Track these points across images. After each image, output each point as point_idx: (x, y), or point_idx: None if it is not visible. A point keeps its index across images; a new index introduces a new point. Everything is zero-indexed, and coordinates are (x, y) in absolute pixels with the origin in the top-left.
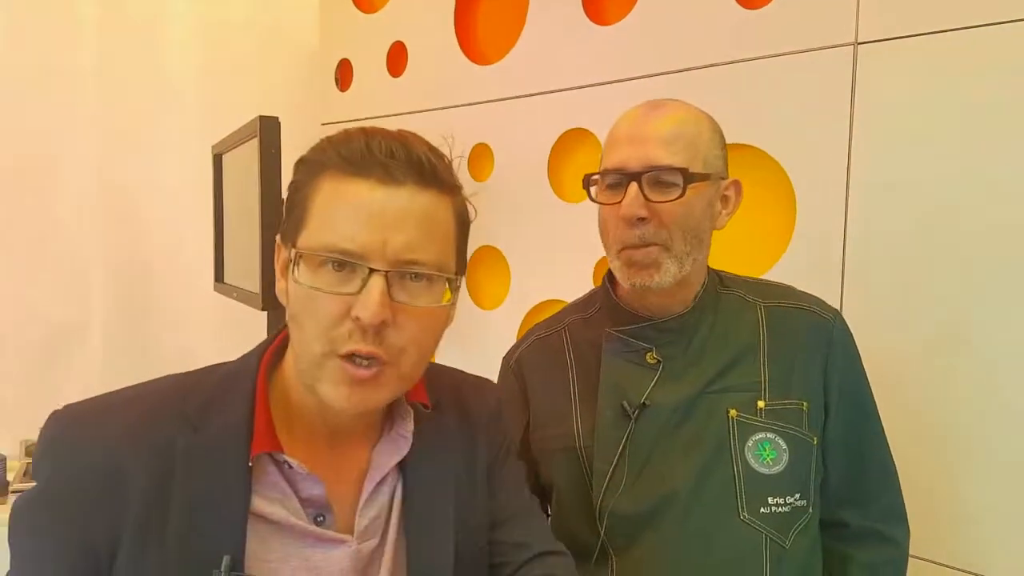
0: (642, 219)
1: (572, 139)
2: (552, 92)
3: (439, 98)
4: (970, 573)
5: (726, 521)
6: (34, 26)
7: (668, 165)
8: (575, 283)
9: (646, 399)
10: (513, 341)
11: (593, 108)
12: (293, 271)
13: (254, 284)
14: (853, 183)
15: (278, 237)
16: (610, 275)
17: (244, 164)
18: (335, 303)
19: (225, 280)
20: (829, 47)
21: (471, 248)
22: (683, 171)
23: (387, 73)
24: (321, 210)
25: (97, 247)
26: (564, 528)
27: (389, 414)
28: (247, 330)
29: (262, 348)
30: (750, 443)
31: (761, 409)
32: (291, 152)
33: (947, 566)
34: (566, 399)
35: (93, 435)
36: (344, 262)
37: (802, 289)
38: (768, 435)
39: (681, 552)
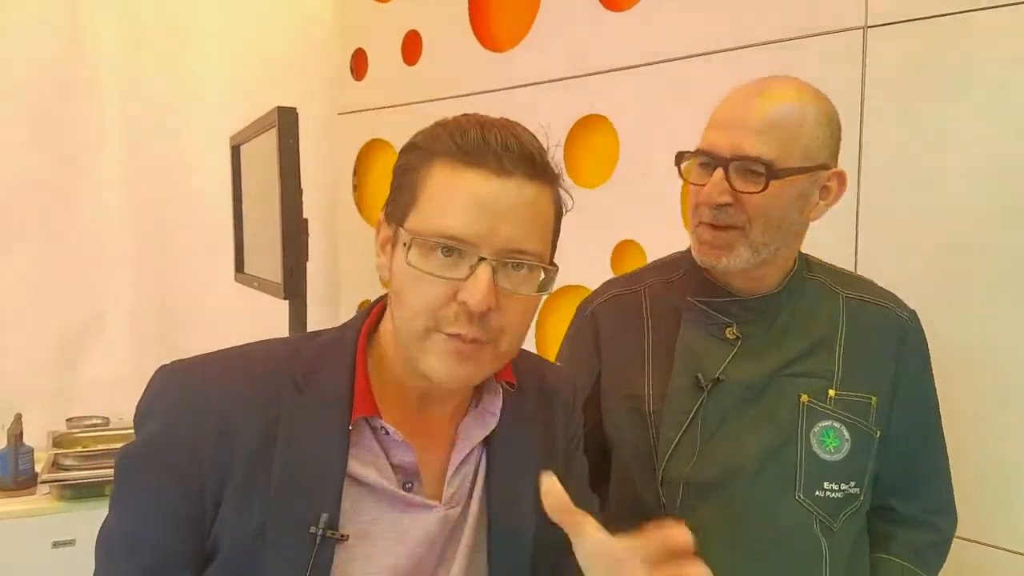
0: (724, 204)
1: (587, 125)
2: (567, 79)
3: (454, 86)
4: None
5: (783, 500)
6: (59, 21)
7: (755, 156)
8: (593, 268)
9: (721, 374)
10: (533, 327)
11: (608, 94)
12: (406, 253)
13: (275, 273)
14: (864, 166)
15: (382, 215)
16: None
17: (263, 155)
18: (443, 287)
19: (245, 270)
20: (839, 31)
21: None
22: (769, 165)
23: (402, 62)
24: (434, 195)
25: (120, 239)
26: (624, 488)
27: (477, 390)
28: (268, 319)
29: (361, 318)
30: (816, 429)
31: (831, 398)
32: (307, 142)
33: (995, 547)
34: (639, 360)
35: (206, 387)
36: (454, 248)
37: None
38: (834, 423)
39: (739, 526)
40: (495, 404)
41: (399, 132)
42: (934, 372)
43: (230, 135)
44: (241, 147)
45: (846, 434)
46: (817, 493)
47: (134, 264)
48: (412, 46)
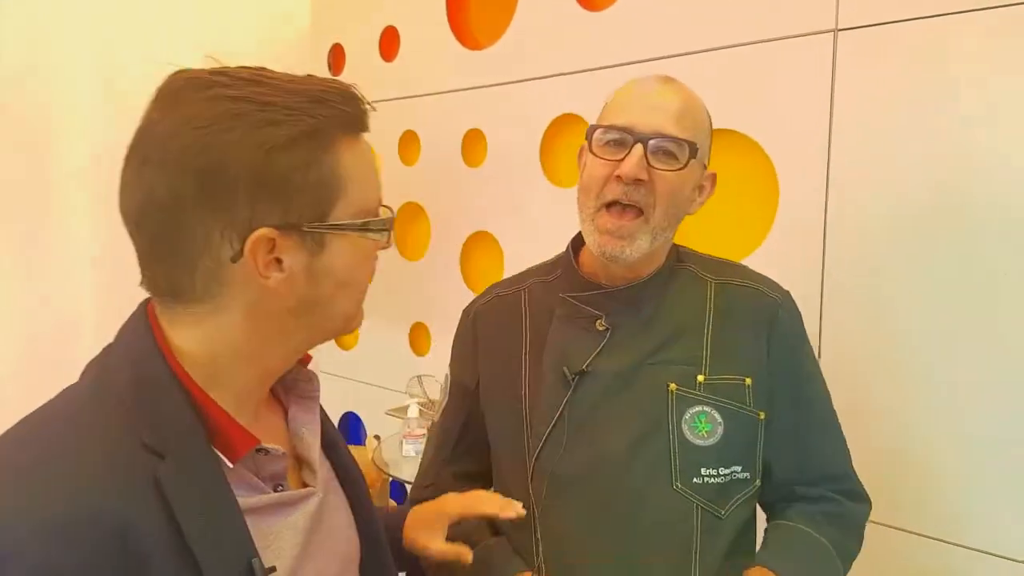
0: (639, 181)
1: (564, 125)
2: (544, 78)
3: (432, 83)
4: (943, 541)
5: (658, 490)
6: (31, 18)
7: (678, 136)
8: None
9: (588, 365)
10: None
11: (584, 94)
12: (351, 247)
13: None
14: (833, 166)
15: (270, 231)
16: (574, 242)
17: None
18: (372, 263)
19: None
20: (810, 34)
21: (464, 233)
22: (691, 145)
23: (380, 57)
24: (355, 176)
25: (90, 244)
26: (500, 487)
27: (283, 380)
28: None
29: (150, 343)
30: (687, 416)
31: (700, 383)
32: None
33: (920, 535)
34: (517, 360)
35: (64, 503)
36: (388, 223)
37: (784, 270)
38: (705, 408)
39: (607, 517)
40: (315, 388)
41: (376, 127)
42: (907, 367)
43: None
44: None
45: (718, 418)
46: (695, 480)
47: (104, 269)
48: (390, 42)
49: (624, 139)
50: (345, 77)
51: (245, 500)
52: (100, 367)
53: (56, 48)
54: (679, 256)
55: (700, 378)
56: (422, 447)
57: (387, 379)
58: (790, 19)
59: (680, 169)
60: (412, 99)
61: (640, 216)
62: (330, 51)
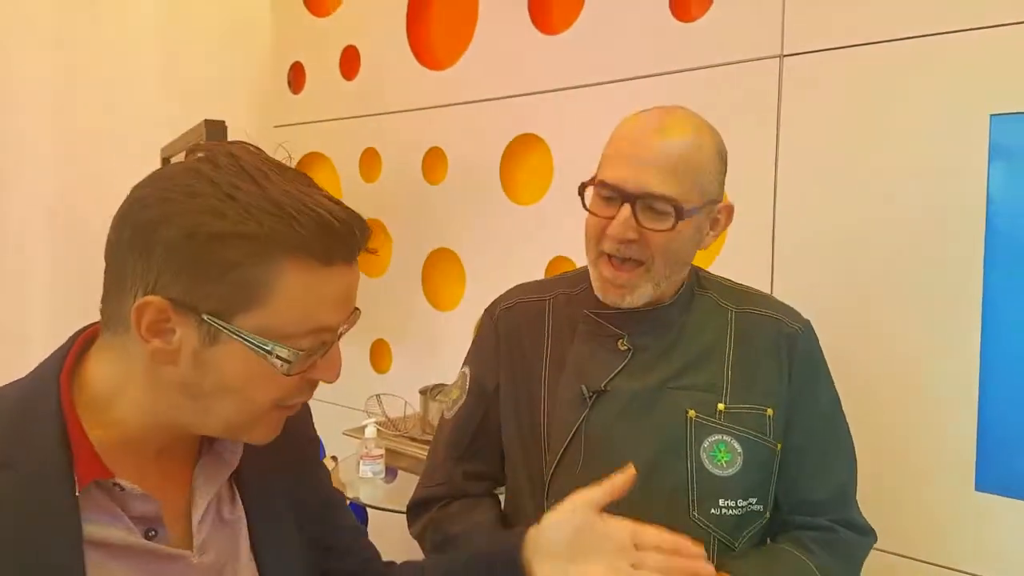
0: (630, 240)
1: (523, 144)
2: (503, 98)
3: (392, 102)
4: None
5: (676, 517)
6: None
7: (664, 196)
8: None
9: (606, 385)
10: (469, 342)
11: (542, 114)
12: (264, 356)
13: None
14: (780, 189)
15: (161, 300)
16: None
17: None
18: (299, 382)
19: None
20: (756, 59)
21: (426, 250)
22: (677, 208)
23: (340, 76)
24: (296, 298)
25: (42, 252)
26: (514, 497)
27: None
28: None
29: (56, 367)
30: (706, 444)
31: (720, 412)
32: None
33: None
34: (537, 371)
35: None
36: (329, 338)
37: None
38: (724, 437)
39: None
40: (233, 444)
41: (336, 146)
42: (859, 384)
43: (161, 146)
44: (171, 160)
45: (738, 447)
46: (713, 511)
47: (58, 277)
48: (350, 61)
49: (613, 196)
50: (305, 95)
51: (94, 528)
52: (10, 384)
53: (13, 66)
54: (699, 281)
55: (720, 406)
56: (380, 468)
57: (347, 398)
58: (737, 45)
59: (669, 230)
60: (373, 117)
61: (640, 266)
62: (290, 69)
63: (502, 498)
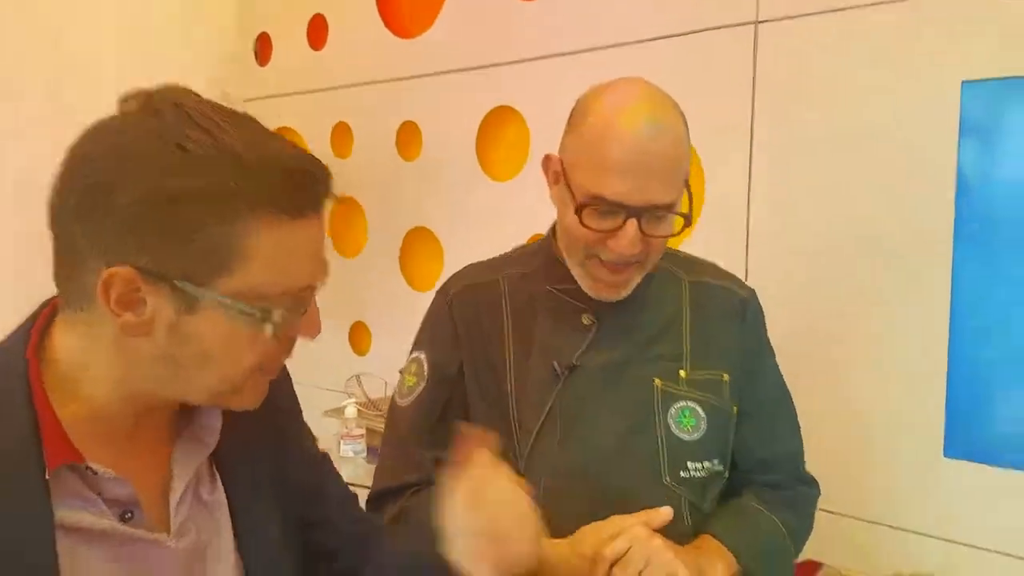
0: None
1: (499, 117)
2: (477, 68)
3: (363, 73)
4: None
5: (649, 485)
6: None
7: (669, 204)
8: None
9: (577, 360)
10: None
11: (519, 85)
12: (224, 319)
13: None
14: (755, 157)
15: (128, 269)
16: (553, 231)
17: None
18: (277, 346)
19: None
20: (731, 25)
21: (403, 229)
22: (684, 215)
23: (308, 46)
24: (271, 256)
25: (7, 227)
26: None
27: (188, 411)
28: None
29: (22, 344)
30: (672, 411)
31: (683, 379)
32: None
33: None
34: (500, 352)
35: None
36: (304, 298)
37: (711, 251)
38: (689, 403)
39: (600, 510)
40: (213, 419)
41: (307, 120)
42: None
43: None
44: None
45: (701, 412)
46: (682, 474)
47: (16, 253)
48: (318, 31)
49: (613, 211)
50: (272, 67)
51: (66, 512)
52: None
53: None
54: None
55: (683, 374)
56: (361, 447)
57: (327, 380)
58: (712, 11)
59: (675, 235)
60: (342, 89)
61: (636, 263)
62: (256, 40)
63: None
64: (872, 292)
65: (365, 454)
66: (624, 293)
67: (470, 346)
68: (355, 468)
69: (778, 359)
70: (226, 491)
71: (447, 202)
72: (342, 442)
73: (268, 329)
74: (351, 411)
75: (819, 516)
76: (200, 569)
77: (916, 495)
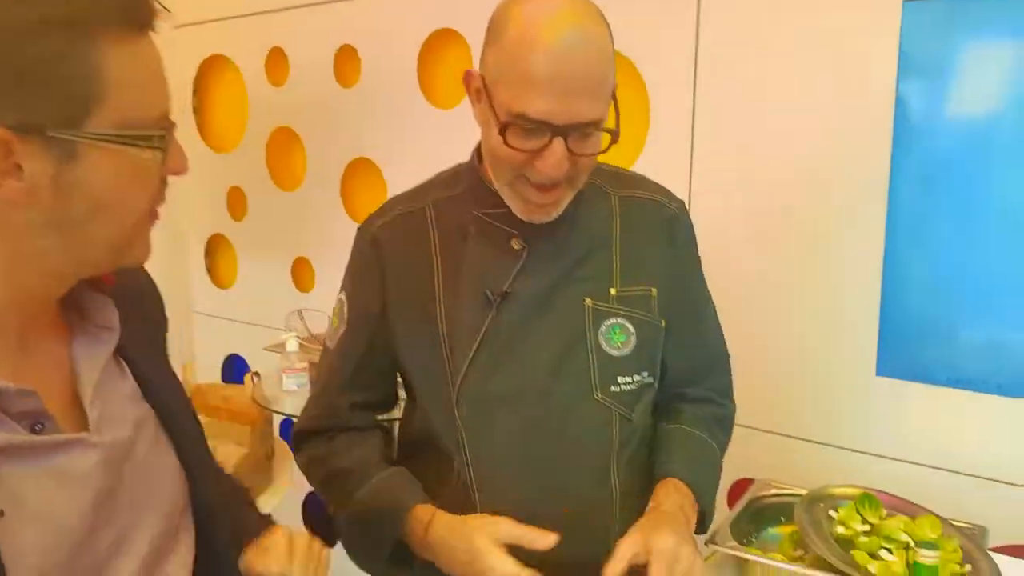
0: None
1: (440, 41)
2: None
3: None
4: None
5: (582, 401)
6: None
7: (596, 120)
8: None
9: (508, 287)
10: None
11: (461, 6)
12: (125, 158)
13: None
14: (699, 84)
15: (3, 130)
16: (478, 152)
17: None
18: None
19: None
20: None
21: (343, 160)
22: (612, 131)
23: None
24: (130, 78)
25: None
26: (422, 416)
27: (76, 306)
28: None
29: None
30: (603, 328)
31: (613, 296)
32: None
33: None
34: (429, 282)
35: None
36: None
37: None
38: (619, 320)
39: (536, 431)
40: (108, 312)
41: (239, 47)
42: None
43: None
44: None
45: (631, 328)
46: (613, 388)
47: None
48: None
49: (538, 129)
50: None
51: None
52: None
53: None
54: None
55: (613, 291)
56: (304, 380)
57: (269, 318)
58: None
59: (603, 152)
60: (275, 13)
61: (566, 183)
62: None
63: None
64: (810, 212)
65: (308, 387)
66: (555, 214)
67: (397, 282)
68: (300, 400)
69: (717, 282)
70: (139, 383)
71: (388, 131)
72: (284, 376)
73: (154, 159)
74: (292, 345)
75: (753, 434)
76: (131, 464)
77: (849, 413)
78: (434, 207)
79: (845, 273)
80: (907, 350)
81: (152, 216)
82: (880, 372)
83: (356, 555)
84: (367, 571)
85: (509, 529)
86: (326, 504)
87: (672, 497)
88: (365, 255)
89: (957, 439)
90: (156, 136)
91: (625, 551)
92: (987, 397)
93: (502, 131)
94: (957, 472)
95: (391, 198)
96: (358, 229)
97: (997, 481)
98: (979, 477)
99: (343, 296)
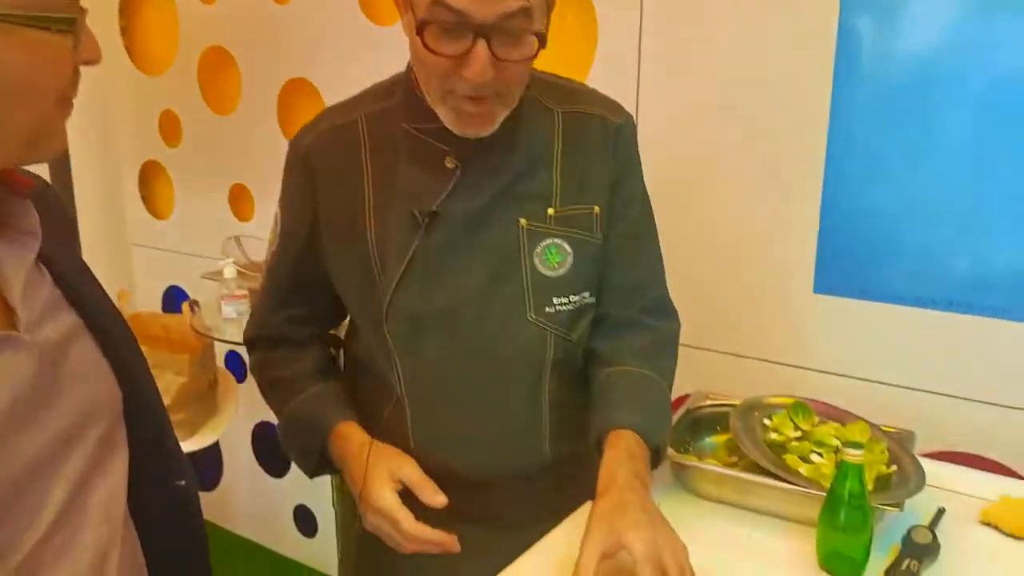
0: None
1: None
2: None
3: None
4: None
5: (514, 323)
6: None
7: (522, 8)
8: None
9: (438, 207)
10: None
11: None
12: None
13: None
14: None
15: None
16: (411, 67)
17: None
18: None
19: None
20: None
21: (279, 81)
22: (539, 34)
23: None
24: None
25: None
26: (354, 335)
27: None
28: None
29: None
30: (538, 249)
31: (551, 217)
32: None
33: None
34: (360, 197)
35: None
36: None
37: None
38: (555, 240)
39: (467, 350)
40: (31, 223)
41: None
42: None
43: None
44: None
45: (568, 248)
46: (548, 309)
47: None
48: None
49: (460, 28)
50: None
51: None
52: None
53: None
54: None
55: (551, 211)
56: (244, 307)
57: (207, 248)
58: None
59: (531, 58)
60: None
61: (497, 95)
62: None
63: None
64: (753, 130)
65: (248, 314)
66: (489, 129)
67: (327, 197)
68: (240, 328)
69: (658, 197)
70: (61, 288)
71: (327, 50)
72: (223, 303)
73: (64, 43)
74: (230, 272)
75: (690, 352)
76: (65, 371)
77: (788, 330)
78: (367, 119)
79: (785, 192)
80: (843, 268)
81: (64, 104)
82: (817, 289)
83: (291, 457)
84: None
85: (409, 471)
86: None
87: (625, 466)
88: (295, 169)
89: (889, 353)
90: (64, 19)
91: (592, 551)
92: (920, 312)
93: (420, 30)
94: (889, 384)
95: (325, 109)
96: (289, 142)
97: (926, 392)
98: (910, 388)
99: (278, 210)
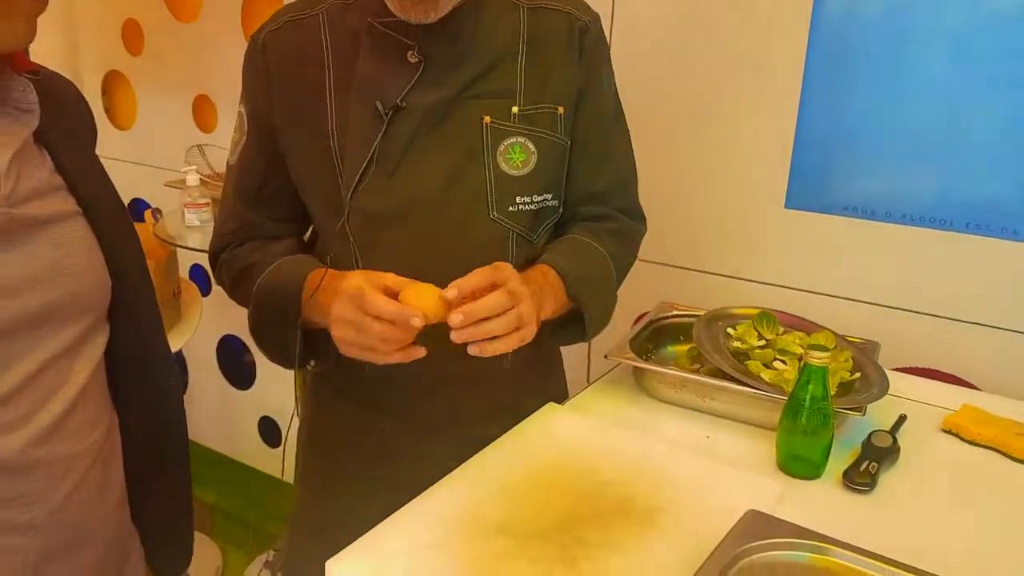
0: None
1: None
2: None
3: None
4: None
5: (476, 220)
6: None
7: None
8: None
9: (402, 100)
10: None
11: None
12: None
13: None
14: None
15: None
16: None
17: None
18: None
19: None
20: None
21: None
22: None
23: None
24: None
25: None
26: (317, 227)
27: None
28: None
29: None
30: (502, 147)
31: (515, 115)
32: None
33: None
34: (320, 93)
35: None
36: None
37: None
38: (519, 139)
39: (428, 247)
40: (29, 100)
41: None
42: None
43: None
44: None
45: (532, 147)
46: (511, 208)
47: None
48: None
49: None
50: None
51: None
52: None
53: None
54: None
55: (515, 109)
56: (208, 216)
57: (170, 160)
58: None
59: None
60: None
61: None
62: None
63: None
64: (731, 41)
65: (212, 222)
66: (433, 15)
67: (286, 92)
68: (204, 236)
69: (631, 102)
70: (62, 175)
71: None
72: (186, 211)
73: None
74: (192, 179)
75: (657, 268)
76: (48, 248)
77: (758, 246)
78: (328, 14)
79: (761, 109)
80: (815, 185)
81: None
82: (789, 204)
83: (268, 349)
84: (283, 364)
85: (392, 277)
86: (248, 316)
87: (534, 272)
88: (255, 64)
89: (857, 269)
90: None
91: (479, 273)
92: (892, 227)
93: None
94: (856, 300)
95: (284, 5)
96: (251, 37)
97: (893, 308)
98: (876, 304)
99: (241, 108)
